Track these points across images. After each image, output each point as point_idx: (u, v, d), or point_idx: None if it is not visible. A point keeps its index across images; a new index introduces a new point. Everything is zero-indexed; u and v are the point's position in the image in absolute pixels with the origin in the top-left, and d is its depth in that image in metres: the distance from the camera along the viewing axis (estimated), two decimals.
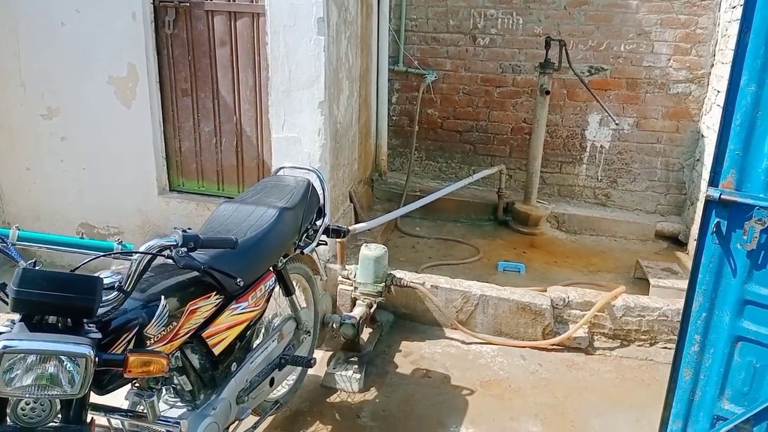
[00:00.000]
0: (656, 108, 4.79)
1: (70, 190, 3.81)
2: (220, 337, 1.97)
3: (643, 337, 3.48)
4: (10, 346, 1.25)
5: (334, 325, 3.05)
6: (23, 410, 1.33)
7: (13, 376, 1.26)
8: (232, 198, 3.00)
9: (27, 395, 1.30)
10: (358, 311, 3.17)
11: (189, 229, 1.63)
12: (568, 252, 4.48)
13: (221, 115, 3.67)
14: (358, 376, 2.98)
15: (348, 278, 3.41)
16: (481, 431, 2.72)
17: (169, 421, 1.58)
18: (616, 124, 4.76)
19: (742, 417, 2.08)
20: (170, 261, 1.59)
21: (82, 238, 1.58)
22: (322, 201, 2.66)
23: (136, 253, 1.55)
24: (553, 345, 3.40)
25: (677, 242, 4.66)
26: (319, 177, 2.70)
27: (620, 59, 4.75)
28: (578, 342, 3.41)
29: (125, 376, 1.42)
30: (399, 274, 3.43)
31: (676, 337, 3.40)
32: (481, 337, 3.43)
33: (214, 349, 1.94)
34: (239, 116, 3.63)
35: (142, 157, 3.69)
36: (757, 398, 2.06)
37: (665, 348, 3.49)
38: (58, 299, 1.30)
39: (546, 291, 3.57)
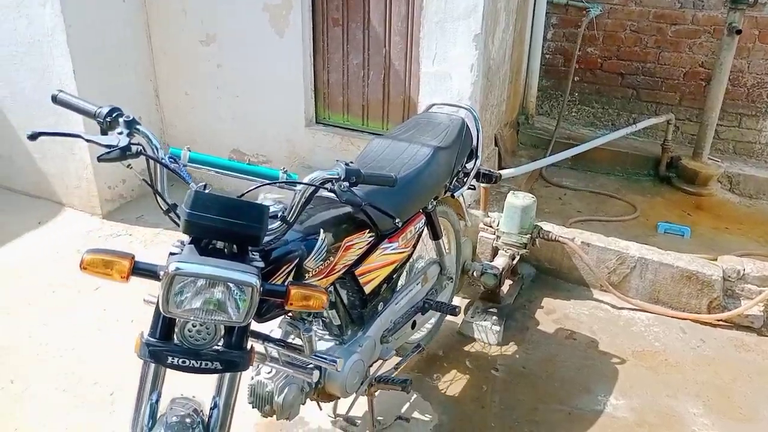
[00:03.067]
0: None
1: (224, 117, 3.92)
2: (371, 276, 1.91)
3: None
4: (182, 269, 1.23)
5: (474, 273, 2.91)
6: (189, 332, 1.33)
7: (183, 298, 1.25)
8: (377, 134, 2.91)
9: (194, 318, 1.29)
10: (500, 262, 2.99)
11: (351, 162, 1.53)
12: (742, 217, 3.93)
13: (370, 47, 3.53)
14: (497, 328, 2.84)
15: (490, 226, 3.22)
16: (634, 404, 2.49)
17: (325, 358, 1.53)
18: None
19: None
20: (326, 195, 1.51)
21: (249, 164, 1.54)
22: (474, 142, 2.47)
23: (300, 183, 1.48)
24: (719, 321, 3.02)
25: None
26: (473, 115, 2.50)
27: None
28: (750, 320, 3.00)
29: (285, 308, 1.38)
30: (546, 226, 3.18)
31: None
32: (635, 303, 3.13)
33: (365, 288, 1.89)
34: (388, 49, 3.47)
35: (291, 87, 3.68)
36: None
37: None
38: (228, 225, 1.26)
39: (716, 260, 3.16)
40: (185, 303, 1.26)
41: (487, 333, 2.83)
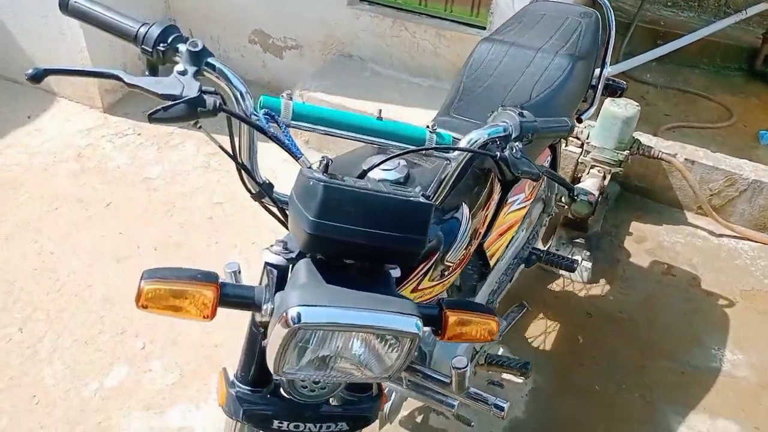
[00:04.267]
0: None
1: None
2: (498, 245, 1.44)
3: None
4: (310, 320, 0.73)
5: (563, 199, 2.42)
6: (303, 381, 0.88)
7: (304, 355, 0.77)
8: (463, 24, 2.25)
9: (318, 378, 0.83)
10: (592, 183, 2.49)
11: (522, 111, 1.00)
12: None
13: None
14: (588, 264, 2.42)
15: (577, 138, 2.68)
16: (752, 360, 2.13)
17: (487, 401, 1.09)
18: None
19: None
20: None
21: (380, 120, 0.98)
22: (604, 44, 1.86)
23: (455, 149, 0.96)
24: None
25: None
26: (605, 5, 1.87)
27: None
28: None
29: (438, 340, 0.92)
30: (645, 140, 2.65)
31: None
32: (738, 231, 2.69)
33: (490, 261, 1.42)
34: None
35: None
36: None
37: None
38: (380, 240, 0.77)
39: None
40: (306, 358, 0.78)
41: (577, 269, 2.41)
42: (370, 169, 0.93)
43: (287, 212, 0.88)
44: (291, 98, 0.92)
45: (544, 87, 1.51)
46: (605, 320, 2.26)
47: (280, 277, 0.87)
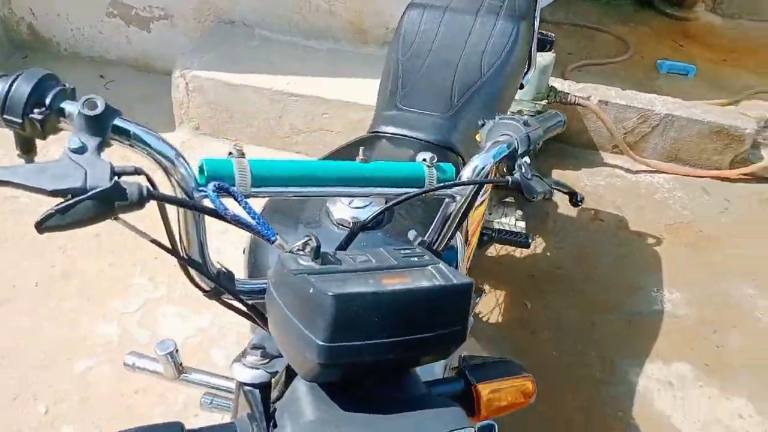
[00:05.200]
0: None
1: None
2: (472, 242, 1.28)
3: None
4: None
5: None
6: None
7: None
8: None
9: None
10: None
11: (526, 120, 0.81)
12: (731, 44, 3.53)
13: None
14: (522, 224, 2.32)
15: None
16: (688, 296, 2.17)
17: None
18: None
19: None
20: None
21: (366, 162, 0.73)
22: None
23: (459, 184, 0.75)
24: (741, 175, 2.72)
25: None
26: None
27: None
28: None
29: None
30: (559, 86, 2.57)
31: None
32: (653, 165, 2.72)
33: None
34: None
35: None
36: None
37: None
38: (420, 347, 0.57)
39: (736, 105, 2.77)
40: None
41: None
42: (360, 228, 0.70)
43: (259, 309, 0.65)
44: (243, 154, 0.65)
45: (494, 58, 1.33)
46: (547, 280, 2.20)
47: (263, 399, 0.64)
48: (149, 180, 0.56)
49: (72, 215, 0.49)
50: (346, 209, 0.87)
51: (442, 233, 0.79)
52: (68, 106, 0.54)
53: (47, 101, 0.53)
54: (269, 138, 2.62)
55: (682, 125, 2.61)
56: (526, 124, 0.81)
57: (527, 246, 1.86)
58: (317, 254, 0.58)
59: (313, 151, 2.58)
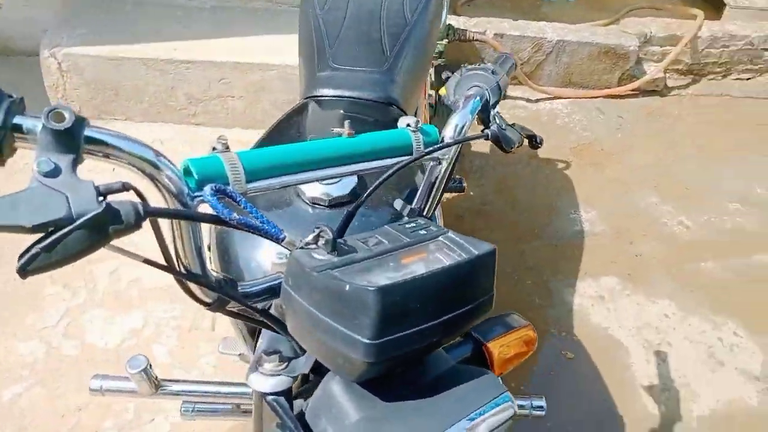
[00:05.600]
0: None
1: None
2: None
3: (718, 69, 3.05)
4: None
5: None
6: None
7: None
8: None
9: None
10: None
11: (492, 68, 0.79)
12: None
13: None
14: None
15: None
16: (602, 212, 2.32)
17: None
18: None
19: None
20: None
21: (352, 137, 0.66)
22: None
23: (446, 146, 0.72)
24: (629, 91, 2.89)
25: None
26: None
27: None
28: (655, 84, 2.92)
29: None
30: (456, 23, 2.57)
31: (754, 67, 3.01)
32: (550, 92, 2.82)
33: None
34: None
35: None
36: None
37: (738, 79, 3.11)
38: (457, 323, 0.55)
39: (617, 24, 2.91)
40: None
41: None
42: (356, 208, 0.65)
43: (272, 314, 0.60)
44: (227, 147, 0.57)
45: (415, 3, 1.28)
46: (476, 218, 2.26)
47: (287, 407, 0.60)
48: (139, 195, 0.48)
49: (61, 251, 0.41)
50: (318, 187, 0.82)
51: (431, 198, 0.76)
52: (26, 122, 0.44)
53: (6, 121, 0.43)
54: (164, 112, 2.42)
55: (573, 49, 2.72)
56: (494, 72, 0.78)
57: (462, 190, 1.88)
58: (334, 246, 0.54)
59: (216, 121, 2.43)
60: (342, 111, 1.13)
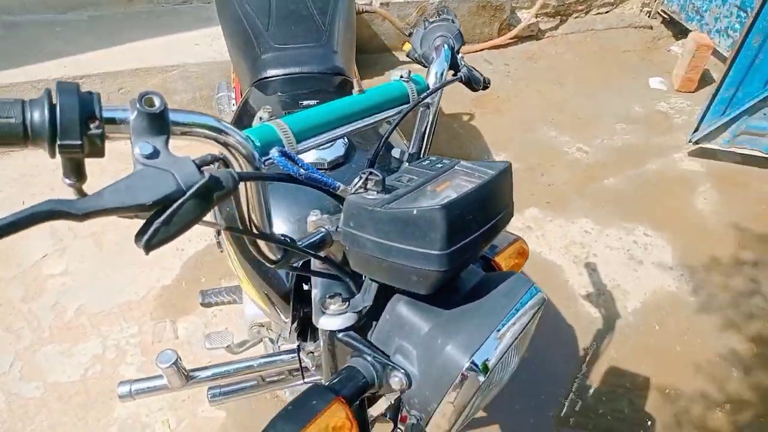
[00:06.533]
0: None
1: None
2: None
3: (581, 7, 3.34)
4: (492, 360, 0.59)
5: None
6: None
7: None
8: None
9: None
10: None
11: (447, 16, 0.88)
12: None
13: None
14: None
15: None
16: (513, 153, 2.51)
17: None
18: None
19: None
20: None
21: (363, 93, 0.71)
22: None
23: (436, 90, 0.80)
24: (509, 39, 3.11)
25: None
26: None
27: None
28: (531, 30, 3.16)
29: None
30: None
31: (609, 0, 3.33)
32: None
33: None
34: None
35: None
36: None
37: (599, 14, 3.43)
38: (495, 228, 0.65)
39: None
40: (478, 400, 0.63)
41: None
42: (377, 150, 0.72)
43: (332, 259, 0.66)
44: (271, 115, 0.63)
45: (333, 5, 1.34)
46: None
47: (359, 338, 0.67)
48: (226, 163, 0.54)
49: (177, 222, 0.45)
50: (314, 153, 0.88)
51: (424, 142, 0.84)
52: (116, 113, 0.47)
53: (97, 119, 0.45)
54: None
55: (455, 7, 2.87)
56: (453, 21, 0.87)
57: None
58: (383, 186, 0.61)
59: None
60: (293, 88, 1.17)
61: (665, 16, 3.39)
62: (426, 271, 0.58)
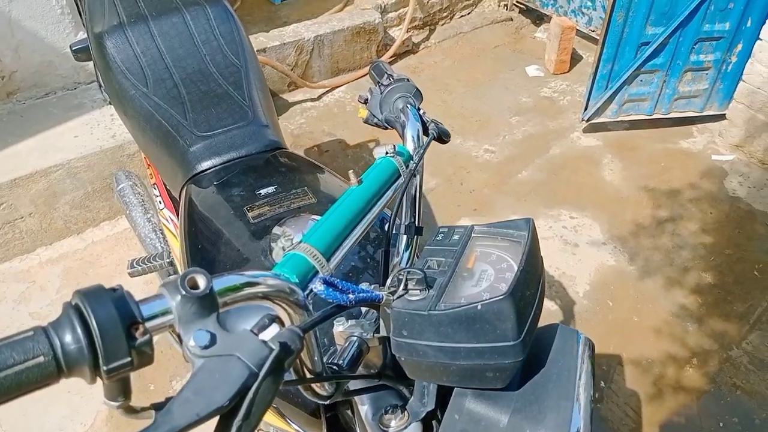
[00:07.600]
0: None
1: None
2: None
3: (445, 14, 3.45)
4: None
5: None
6: None
7: None
8: None
9: None
10: None
11: (402, 76, 0.85)
12: None
13: None
14: None
15: None
16: (428, 168, 2.53)
17: None
18: None
19: (662, 35, 2.34)
20: None
21: (361, 183, 0.65)
22: None
23: (422, 157, 0.77)
24: (389, 59, 3.15)
25: None
26: None
27: None
28: (406, 45, 3.22)
29: None
30: None
31: (469, 2, 3.48)
32: (328, 84, 2.95)
33: None
34: None
35: None
36: (674, 15, 2.30)
37: (462, 16, 3.57)
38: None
39: (353, 4, 3.12)
40: None
41: None
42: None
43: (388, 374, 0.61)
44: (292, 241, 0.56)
45: (233, 45, 1.28)
46: None
47: None
48: (279, 320, 0.49)
49: (257, 412, 0.39)
50: (291, 239, 0.83)
51: (416, 209, 0.81)
52: (156, 306, 0.39)
53: (138, 315, 0.38)
54: None
55: (330, 40, 2.86)
56: (408, 80, 0.84)
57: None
58: (427, 282, 0.57)
59: (13, 251, 2.10)
60: (234, 177, 1.09)
61: (521, 6, 3.59)
62: (502, 365, 0.55)
